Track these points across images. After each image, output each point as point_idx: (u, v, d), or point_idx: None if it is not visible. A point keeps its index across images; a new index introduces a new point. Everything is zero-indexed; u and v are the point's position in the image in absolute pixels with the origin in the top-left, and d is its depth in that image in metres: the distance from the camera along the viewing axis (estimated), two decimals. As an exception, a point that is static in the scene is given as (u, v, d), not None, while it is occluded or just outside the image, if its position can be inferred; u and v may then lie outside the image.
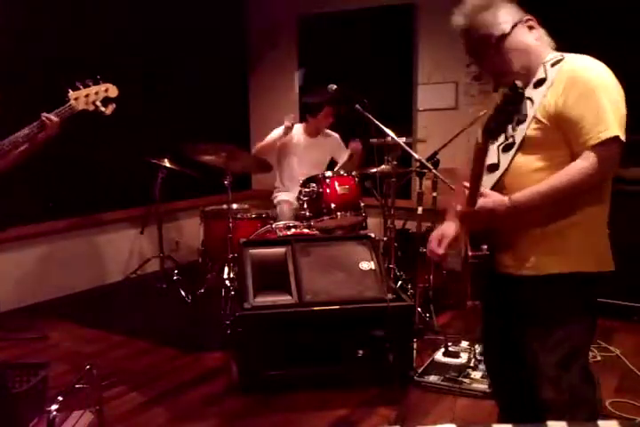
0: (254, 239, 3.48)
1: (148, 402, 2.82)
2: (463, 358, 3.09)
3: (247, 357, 2.92)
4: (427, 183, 3.78)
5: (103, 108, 2.62)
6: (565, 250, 1.64)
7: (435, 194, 3.86)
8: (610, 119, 1.53)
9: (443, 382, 2.89)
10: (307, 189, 3.77)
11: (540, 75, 1.65)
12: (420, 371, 2.99)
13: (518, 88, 1.33)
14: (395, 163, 3.66)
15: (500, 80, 1.72)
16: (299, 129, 4.36)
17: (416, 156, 3.25)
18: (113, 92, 2.66)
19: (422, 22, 4.90)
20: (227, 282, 3.79)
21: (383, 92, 4.80)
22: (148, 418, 2.68)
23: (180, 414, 2.72)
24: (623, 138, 1.53)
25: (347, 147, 4.32)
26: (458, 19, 1.70)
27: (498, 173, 1.67)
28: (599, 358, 3.11)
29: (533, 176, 1.62)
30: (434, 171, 3.18)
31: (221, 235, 3.79)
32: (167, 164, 4.30)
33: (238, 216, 3.97)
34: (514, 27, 1.67)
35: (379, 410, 2.71)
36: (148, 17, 4.82)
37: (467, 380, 2.89)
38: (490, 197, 1.59)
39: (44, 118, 2.48)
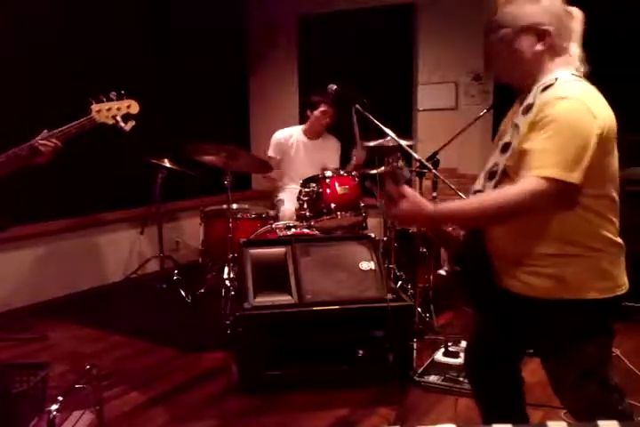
0: (254, 239, 3.48)
1: (148, 402, 2.82)
2: (463, 358, 3.08)
3: (247, 357, 2.92)
4: (427, 183, 3.78)
5: (123, 124, 2.57)
6: (565, 278, 1.60)
7: (435, 194, 3.85)
8: (550, 159, 1.45)
9: (443, 382, 2.89)
10: (307, 189, 3.77)
11: (529, 99, 1.58)
12: (419, 371, 2.99)
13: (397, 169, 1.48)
14: (395, 163, 3.65)
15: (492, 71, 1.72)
16: (298, 131, 4.37)
17: (416, 156, 3.24)
18: (135, 108, 2.62)
19: (422, 22, 4.90)
20: (227, 282, 3.78)
21: (383, 92, 4.80)
22: (148, 418, 2.68)
23: (180, 414, 2.72)
24: (570, 179, 1.45)
25: (350, 154, 4.33)
26: None
27: None
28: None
29: None
30: (434, 171, 3.17)
31: (221, 235, 3.79)
32: (167, 164, 4.30)
33: (238, 216, 3.96)
34: (522, 27, 1.58)
35: (379, 410, 2.71)
36: (148, 17, 4.83)
37: (467, 380, 2.89)
38: (409, 202, 1.53)
39: (38, 146, 2.42)
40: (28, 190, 4.05)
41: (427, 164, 3.20)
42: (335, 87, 3.39)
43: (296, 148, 4.33)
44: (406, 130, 4.42)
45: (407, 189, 1.55)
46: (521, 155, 1.53)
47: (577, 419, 1.71)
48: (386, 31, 5.01)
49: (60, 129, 2.48)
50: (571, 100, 1.50)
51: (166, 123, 4.87)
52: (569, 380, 1.67)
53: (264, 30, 5.71)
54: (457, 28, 4.74)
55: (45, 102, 4.13)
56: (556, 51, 1.61)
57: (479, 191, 1.69)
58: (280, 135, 4.37)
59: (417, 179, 3.69)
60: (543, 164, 1.46)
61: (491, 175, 1.65)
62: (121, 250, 4.85)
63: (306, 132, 4.35)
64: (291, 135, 4.35)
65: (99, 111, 2.54)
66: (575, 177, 1.46)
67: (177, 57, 5.03)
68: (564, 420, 2.34)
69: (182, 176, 4.32)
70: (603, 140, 1.51)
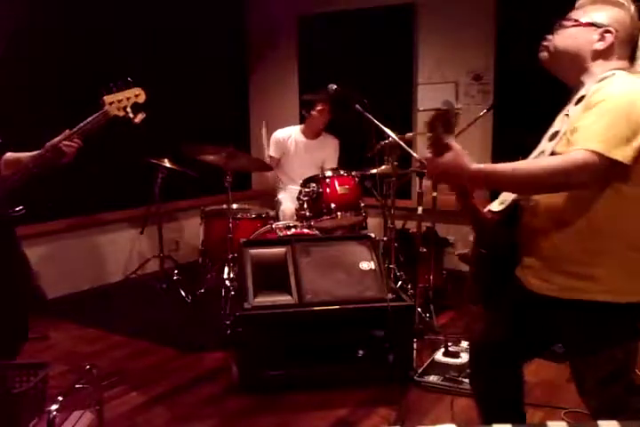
0: (254, 239, 3.49)
1: (148, 402, 2.82)
2: (463, 358, 3.08)
3: (247, 357, 2.92)
4: (427, 183, 3.78)
5: (132, 115, 2.47)
6: (595, 278, 1.57)
7: (435, 194, 3.85)
8: (597, 134, 1.45)
9: (443, 382, 2.89)
10: (307, 189, 3.77)
11: (583, 91, 1.59)
12: (419, 371, 2.99)
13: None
14: (395, 163, 3.66)
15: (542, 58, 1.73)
16: (297, 131, 4.37)
17: (416, 156, 3.25)
18: (142, 97, 2.52)
19: (422, 22, 4.90)
20: (227, 282, 3.78)
21: (383, 92, 4.80)
22: (148, 418, 2.68)
23: (180, 414, 2.72)
24: (615, 156, 1.44)
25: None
26: None
27: None
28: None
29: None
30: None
31: (221, 235, 3.79)
32: (167, 164, 4.30)
33: (238, 216, 3.96)
34: (586, 24, 1.64)
35: (379, 410, 2.71)
36: (148, 17, 4.82)
37: (467, 380, 2.89)
38: (451, 156, 1.52)
39: (62, 147, 2.38)
40: (28, 190, 4.04)
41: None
42: (335, 87, 3.39)
43: (295, 147, 4.34)
44: (406, 130, 4.41)
45: (454, 142, 1.53)
46: (571, 135, 1.53)
47: (597, 418, 1.65)
48: (386, 31, 5.01)
49: (78, 127, 2.41)
50: (628, 86, 1.52)
51: (166, 123, 4.86)
52: (594, 381, 1.64)
53: (264, 30, 5.71)
54: (457, 28, 4.74)
55: (46, 102, 4.14)
56: (614, 54, 1.64)
57: None
58: (279, 135, 4.38)
59: (417, 179, 3.68)
60: (589, 138, 1.46)
61: None
62: (121, 250, 4.85)
63: (304, 132, 4.36)
64: (289, 135, 4.36)
65: (111, 103, 2.44)
66: (620, 155, 1.44)
67: (177, 57, 5.03)
68: (564, 420, 2.35)
69: (182, 176, 4.32)
70: None
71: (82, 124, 2.43)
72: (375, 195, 3.74)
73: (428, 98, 4.95)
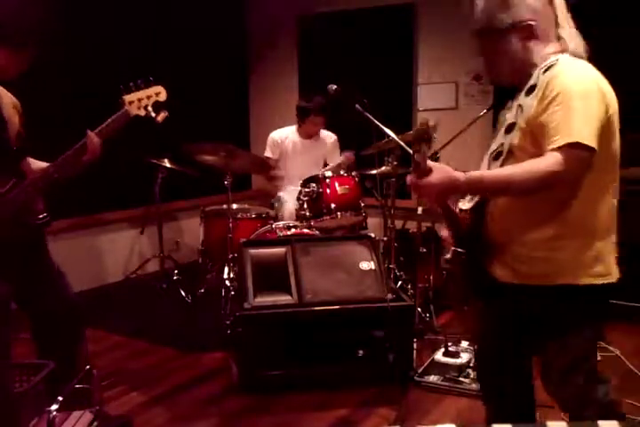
0: (254, 239, 3.49)
1: (148, 402, 2.82)
2: (463, 358, 3.08)
3: (247, 357, 2.92)
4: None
5: (154, 114, 2.40)
6: (558, 262, 1.61)
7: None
8: (574, 126, 1.46)
9: (443, 382, 2.89)
10: (307, 189, 3.77)
11: (532, 80, 1.60)
12: (419, 371, 2.99)
13: (427, 127, 1.47)
14: (395, 163, 3.66)
15: (489, 76, 1.77)
16: (293, 131, 4.37)
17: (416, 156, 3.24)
18: (163, 95, 2.46)
19: (422, 22, 4.90)
20: (227, 282, 3.78)
21: (383, 92, 4.80)
22: (148, 418, 2.68)
23: (180, 414, 2.72)
24: (592, 144, 1.45)
25: (340, 153, 4.36)
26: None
27: None
28: (599, 358, 3.10)
29: None
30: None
31: (221, 235, 3.79)
32: (167, 164, 4.30)
33: (238, 216, 3.96)
34: (511, 26, 1.64)
35: (379, 410, 2.71)
36: (148, 17, 4.82)
37: (467, 380, 2.90)
38: (438, 173, 1.52)
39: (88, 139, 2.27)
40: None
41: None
42: (335, 87, 3.39)
43: (292, 148, 4.34)
44: (406, 130, 4.41)
45: (432, 162, 1.53)
46: (534, 130, 1.55)
47: (565, 410, 1.73)
48: (386, 31, 5.01)
49: (98, 129, 2.32)
50: (577, 74, 1.54)
51: (166, 123, 4.85)
52: (557, 369, 1.67)
53: (264, 30, 5.71)
54: (457, 28, 4.73)
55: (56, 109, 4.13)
56: (545, 40, 1.65)
57: None
58: (275, 136, 4.38)
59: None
60: (568, 133, 1.46)
61: (497, 155, 1.65)
62: (121, 250, 4.85)
63: (300, 133, 4.35)
64: (286, 136, 4.35)
65: (131, 103, 2.37)
66: (595, 144, 1.47)
67: (177, 57, 5.02)
68: (564, 420, 2.34)
69: (182, 176, 4.32)
70: (610, 119, 1.54)
71: (102, 126, 2.33)
72: (375, 195, 3.74)
73: (428, 98, 4.95)
